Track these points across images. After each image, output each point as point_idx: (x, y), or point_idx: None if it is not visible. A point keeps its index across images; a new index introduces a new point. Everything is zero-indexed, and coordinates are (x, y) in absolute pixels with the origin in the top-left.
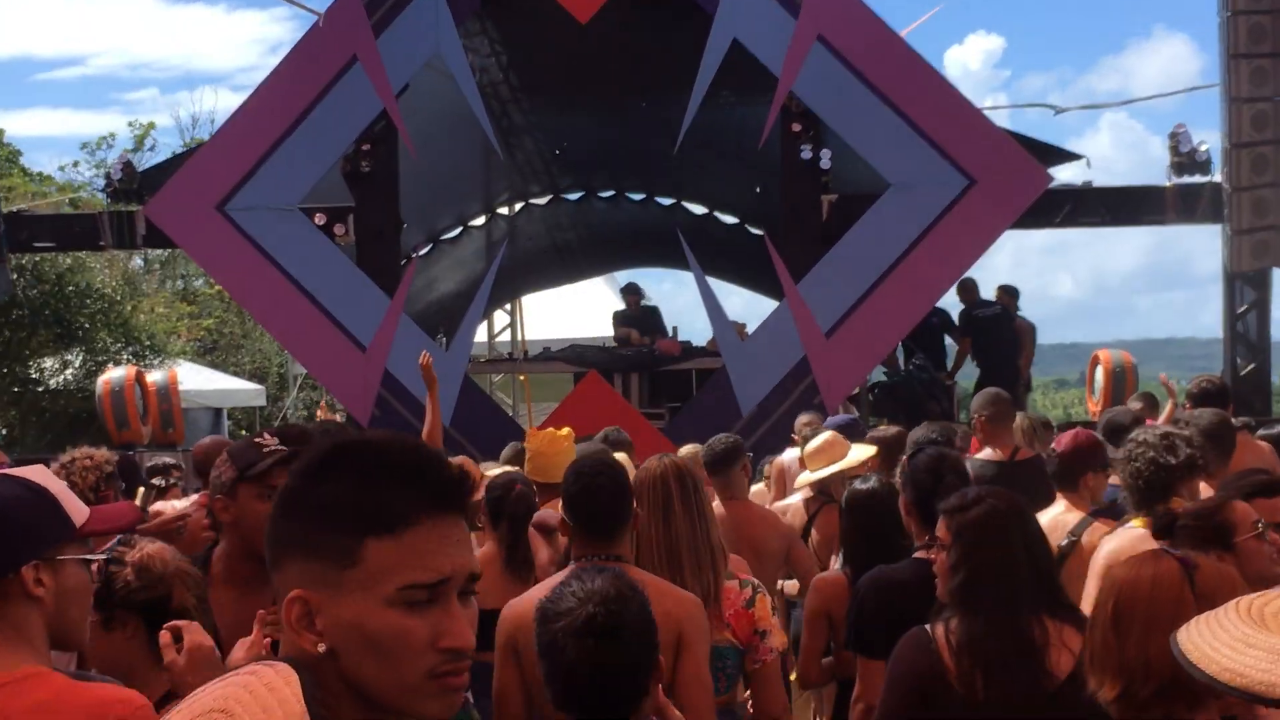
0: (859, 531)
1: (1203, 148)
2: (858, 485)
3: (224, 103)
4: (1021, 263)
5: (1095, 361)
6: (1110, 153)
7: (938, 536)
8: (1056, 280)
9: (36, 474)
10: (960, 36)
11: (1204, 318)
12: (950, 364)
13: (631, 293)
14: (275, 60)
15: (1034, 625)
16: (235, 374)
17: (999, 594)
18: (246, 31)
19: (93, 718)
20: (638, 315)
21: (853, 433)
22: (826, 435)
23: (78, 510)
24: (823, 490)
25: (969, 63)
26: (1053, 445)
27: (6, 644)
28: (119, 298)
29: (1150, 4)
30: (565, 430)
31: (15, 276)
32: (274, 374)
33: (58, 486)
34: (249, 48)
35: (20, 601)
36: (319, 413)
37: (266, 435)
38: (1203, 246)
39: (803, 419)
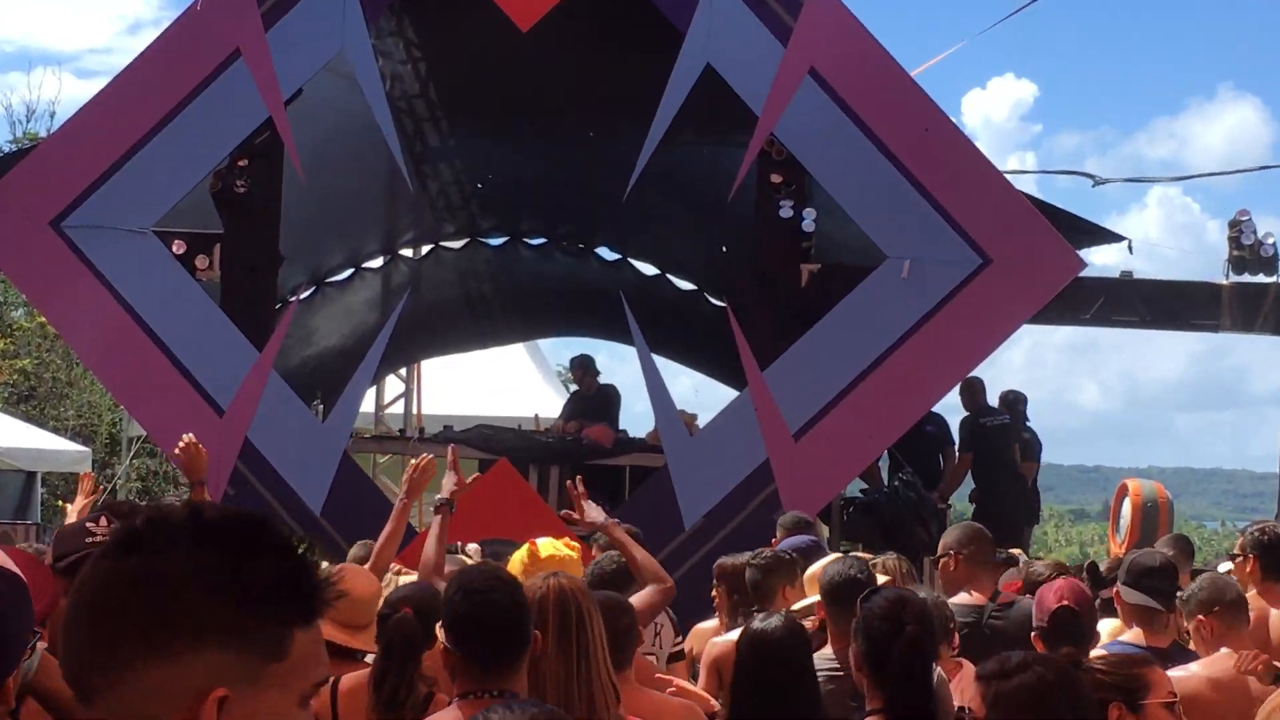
0: (752, 684)
1: (1269, 241)
2: (756, 623)
3: (68, 91)
4: (1037, 361)
5: (1123, 492)
6: (1157, 235)
7: (969, 708)
8: (1079, 386)
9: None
10: (982, 79)
11: (1257, 447)
12: (944, 482)
13: (582, 368)
14: (136, 42)
15: None
16: (56, 430)
17: None
18: (100, 5)
19: None
20: (593, 394)
21: (811, 559)
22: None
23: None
24: None
25: (991, 112)
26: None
27: None
28: None
29: (1217, 59)
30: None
31: None
32: (104, 433)
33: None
34: (102, 25)
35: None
36: (82, 484)
37: (102, 519)
38: (1262, 359)
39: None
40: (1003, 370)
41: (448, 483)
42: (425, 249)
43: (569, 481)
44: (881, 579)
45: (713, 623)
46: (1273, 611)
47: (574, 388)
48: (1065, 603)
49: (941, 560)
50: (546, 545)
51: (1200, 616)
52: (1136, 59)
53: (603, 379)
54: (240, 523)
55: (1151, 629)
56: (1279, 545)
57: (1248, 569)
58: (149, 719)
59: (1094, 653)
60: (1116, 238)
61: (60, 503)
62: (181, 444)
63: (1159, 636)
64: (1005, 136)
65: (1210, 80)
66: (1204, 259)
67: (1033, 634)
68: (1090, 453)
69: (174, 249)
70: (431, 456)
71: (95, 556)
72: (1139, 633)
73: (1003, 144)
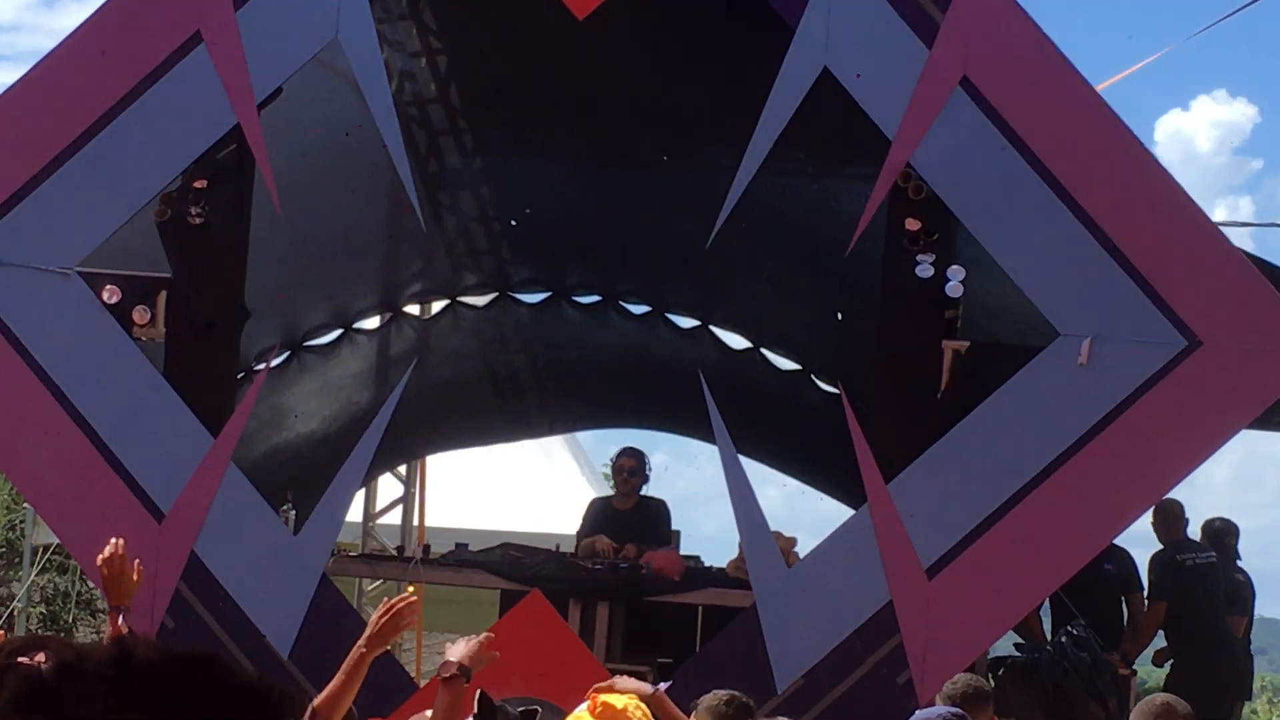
0: None
1: None
2: None
3: None
4: (1251, 480)
5: None
6: None
7: None
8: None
9: None
10: (1185, 98)
11: None
12: (1128, 639)
13: (630, 458)
14: (55, 20)
15: None
16: None
17: None
18: None
19: None
20: (630, 508)
21: None
22: None
23: None
24: None
25: (1196, 139)
26: None
27: None
28: None
29: None
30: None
31: None
32: (0, 540)
33: None
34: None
35: None
36: None
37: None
38: None
39: None
40: (1202, 491)
41: (460, 649)
42: (438, 306)
43: None
44: None
45: None
46: None
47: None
48: None
49: None
50: (615, 699)
51: None
52: None
53: (665, 485)
54: (179, 670)
55: None
56: None
57: None
58: None
59: None
60: None
61: None
62: (105, 554)
63: None
64: (1213, 174)
65: None
66: None
67: None
68: None
69: (105, 296)
70: (413, 597)
71: None
72: None
73: (1210, 184)
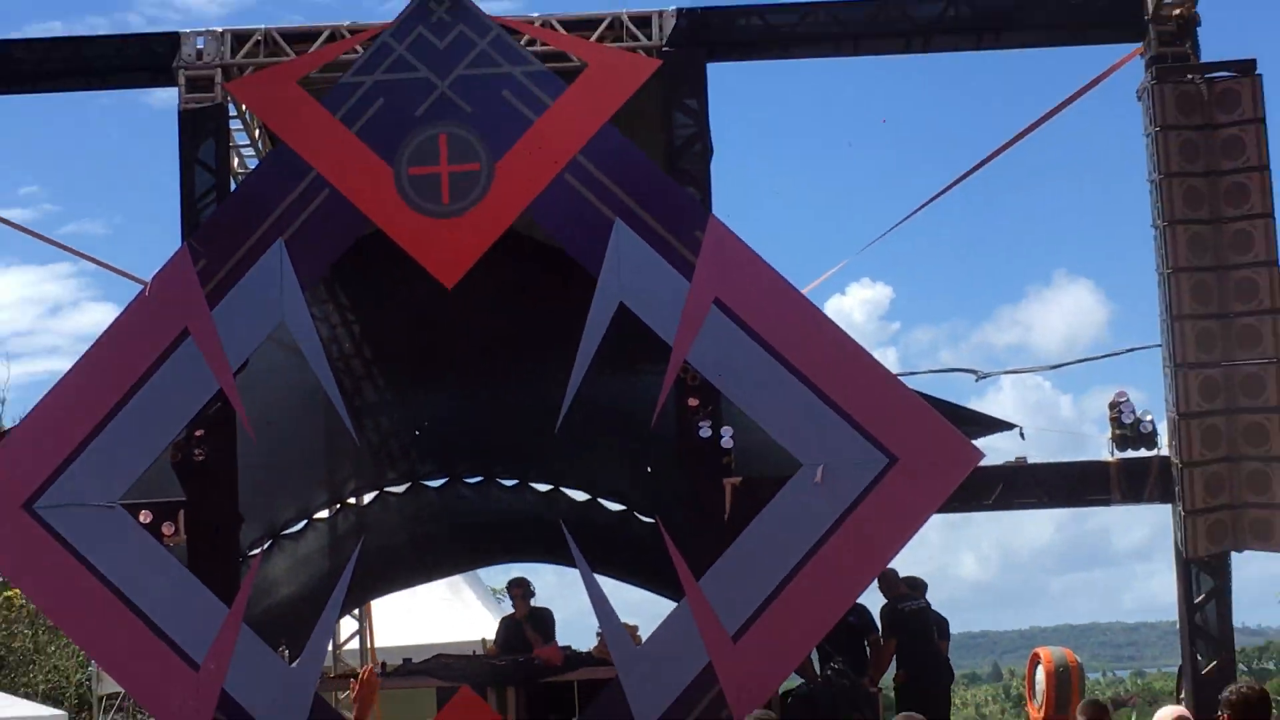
0: None
1: (1147, 419)
2: None
3: (1, 373)
4: (919, 540)
5: (1035, 660)
6: (1014, 415)
7: None
8: (958, 561)
9: None
10: (842, 286)
11: (1126, 601)
12: (872, 668)
13: (518, 586)
14: (58, 324)
15: None
16: (27, 695)
17: None
18: (19, 291)
19: None
20: (525, 616)
21: None
22: None
23: None
24: None
25: (853, 314)
26: None
27: None
28: None
29: (1051, 250)
30: None
31: None
32: (73, 694)
33: None
34: (24, 309)
35: None
36: None
37: None
38: (1120, 521)
39: None
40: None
41: None
42: (369, 496)
43: None
44: None
45: None
46: None
47: (509, 608)
48: None
49: None
50: None
51: None
52: (980, 253)
53: (542, 600)
54: None
55: None
56: (1249, 702)
57: None
58: None
59: None
60: (1007, 425)
61: None
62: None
63: None
64: (867, 336)
65: (1046, 268)
66: (1064, 435)
67: None
68: (975, 619)
69: (141, 519)
70: (370, 666)
71: None
72: None
73: (866, 342)
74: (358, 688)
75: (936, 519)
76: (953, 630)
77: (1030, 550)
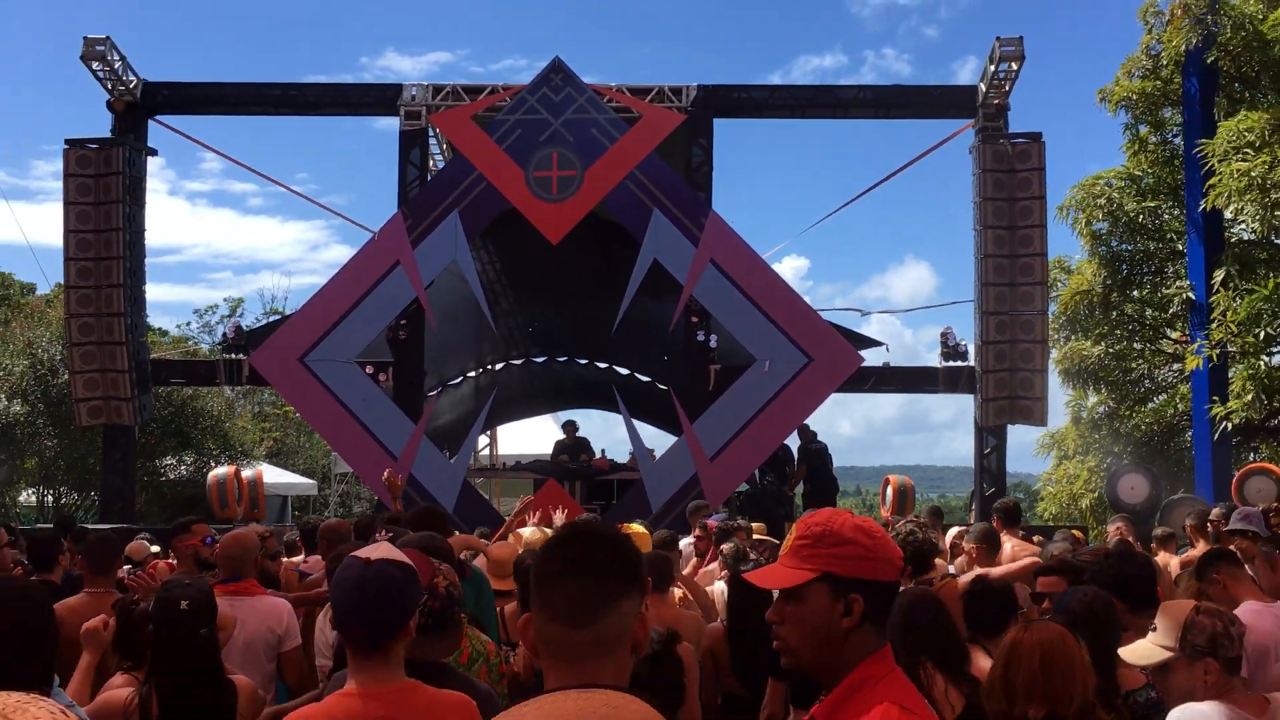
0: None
1: (963, 343)
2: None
3: (280, 284)
4: (819, 410)
5: (887, 482)
6: (880, 338)
7: None
8: (839, 422)
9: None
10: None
11: (938, 452)
12: (790, 482)
13: (568, 426)
14: (314, 255)
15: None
16: (294, 471)
17: None
18: (292, 234)
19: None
20: (571, 444)
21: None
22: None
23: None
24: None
25: (785, 274)
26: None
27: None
28: (221, 417)
29: (903, 239)
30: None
31: (154, 402)
32: (318, 473)
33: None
34: (294, 246)
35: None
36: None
37: (381, 530)
38: (938, 404)
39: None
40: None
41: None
42: (500, 365)
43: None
44: (756, 535)
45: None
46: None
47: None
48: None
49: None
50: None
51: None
52: (860, 240)
53: (599, 434)
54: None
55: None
56: (1006, 509)
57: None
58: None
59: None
60: (877, 343)
61: (296, 513)
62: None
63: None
64: (794, 287)
65: (900, 252)
66: (906, 351)
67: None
68: (847, 459)
69: (367, 370)
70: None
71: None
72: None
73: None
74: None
75: (831, 397)
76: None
77: (882, 419)
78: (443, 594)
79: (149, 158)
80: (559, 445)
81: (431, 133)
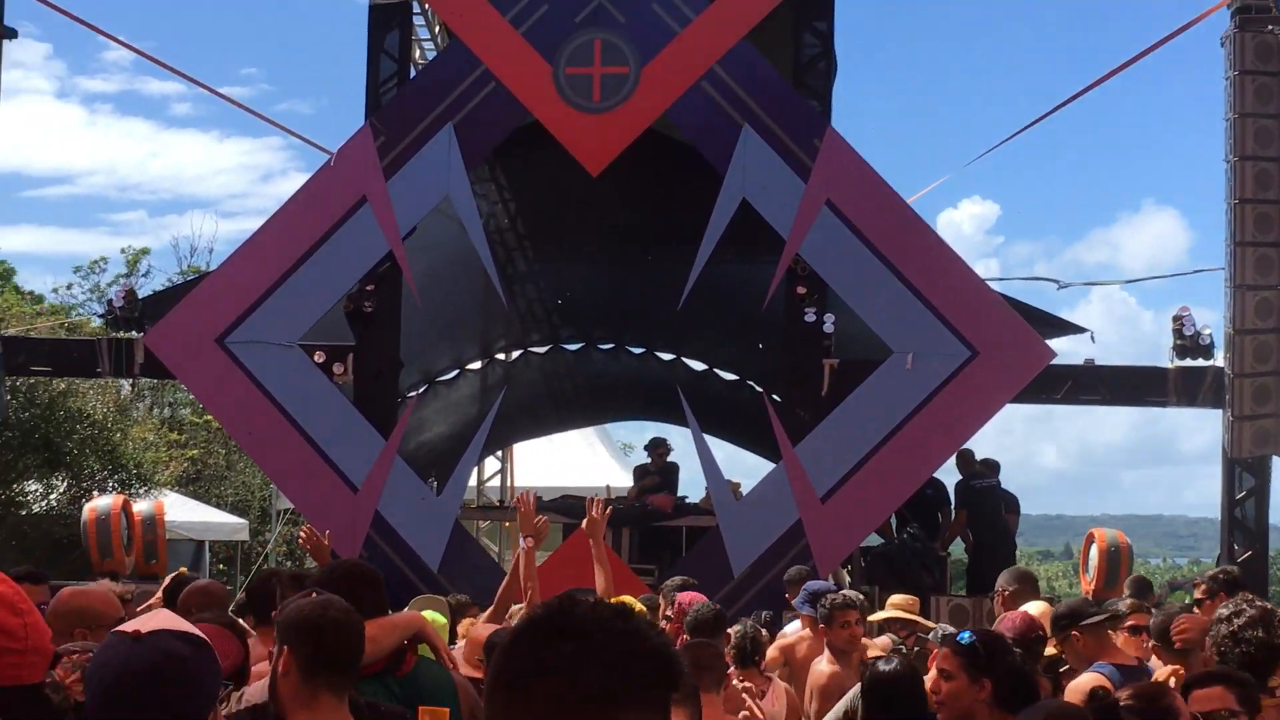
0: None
1: (1206, 332)
2: (880, 665)
3: (217, 229)
4: (1006, 430)
5: (1090, 540)
6: (1101, 325)
7: None
8: (1041, 451)
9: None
10: (955, 201)
11: (1189, 496)
12: (943, 535)
13: (658, 445)
14: (266, 188)
15: None
16: (218, 505)
17: None
18: (237, 159)
19: None
20: (659, 469)
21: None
22: None
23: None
24: None
25: (962, 226)
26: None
27: None
28: (108, 424)
29: (1141, 180)
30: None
31: (8, 398)
32: (256, 508)
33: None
34: (238, 174)
35: None
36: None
37: (311, 593)
38: (1188, 425)
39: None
40: (977, 439)
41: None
42: (515, 353)
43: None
44: (890, 612)
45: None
46: None
47: (634, 460)
48: (1038, 631)
49: (994, 596)
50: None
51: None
52: (1078, 180)
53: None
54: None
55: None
56: (1235, 583)
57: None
58: None
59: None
60: (1079, 329)
61: (221, 566)
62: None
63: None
64: (974, 247)
65: (1136, 196)
66: (1142, 343)
67: None
68: (1052, 503)
69: (315, 358)
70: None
71: None
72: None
73: (972, 253)
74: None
75: (1021, 411)
76: (1031, 512)
77: (1105, 446)
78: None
79: (5, 40)
80: (640, 471)
81: (417, 8)
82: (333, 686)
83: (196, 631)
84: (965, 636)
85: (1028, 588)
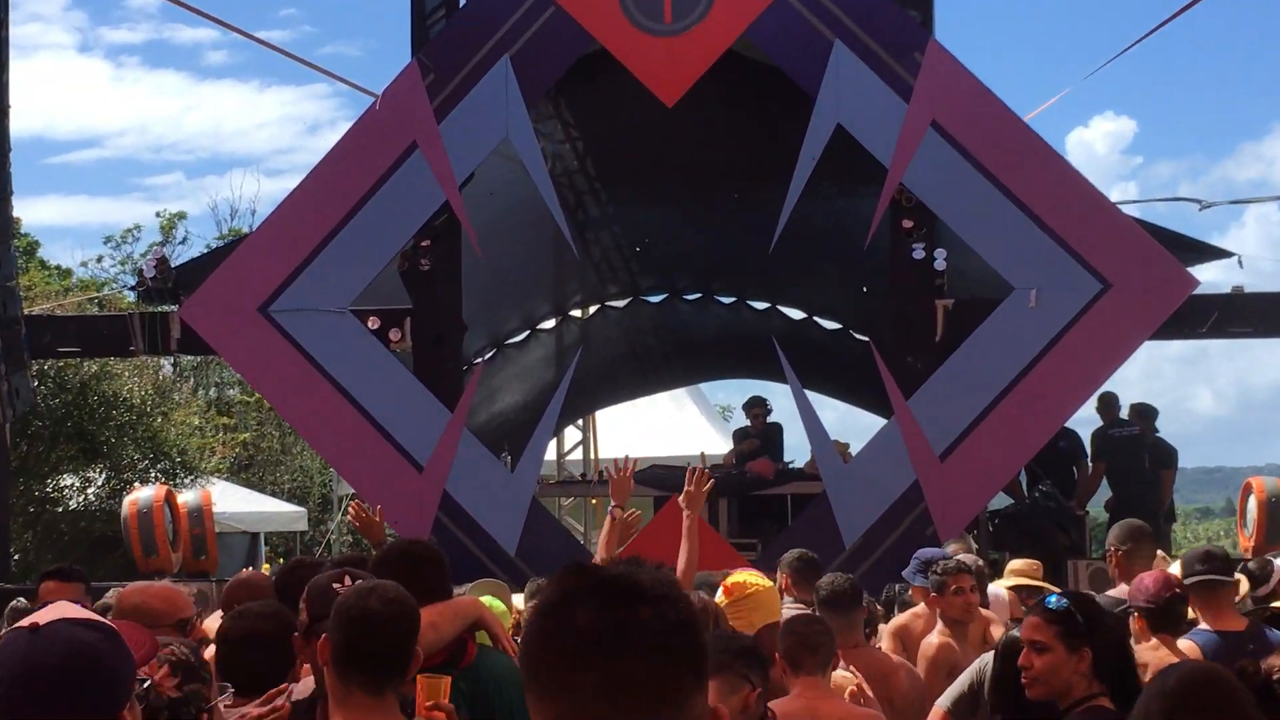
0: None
1: None
2: (1014, 633)
3: (264, 189)
4: (1154, 374)
5: (1248, 490)
6: (1257, 250)
7: None
8: (1195, 395)
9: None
10: (1085, 119)
11: None
12: (1079, 491)
13: (756, 406)
14: (313, 141)
15: None
16: (273, 494)
17: None
18: (280, 110)
19: None
20: (759, 432)
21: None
22: None
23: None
24: None
25: (1095, 146)
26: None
27: None
28: (148, 408)
29: None
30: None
31: (36, 384)
32: (316, 494)
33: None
34: (283, 127)
35: None
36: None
37: (345, 578)
38: None
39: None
40: (1120, 385)
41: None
42: (592, 309)
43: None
44: (1012, 580)
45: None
46: None
47: (733, 424)
48: (1177, 590)
49: (1105, 555)
50: (739, 576)
51: None
52: (1225, 90)
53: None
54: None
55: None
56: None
57: None
58: None
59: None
60: (1224, 254)
61: (280, 559)
62: (351, 514)
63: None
64: (1109, 169)
65: None
66: None
67: (1134, 614)
68: (1210, 454)
69: (369, 324)
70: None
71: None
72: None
73: (1107, 176)
74: (699, 480)
75: (1168, 350)
76: (1186, 465)
77: (1270, 386)
78: (164, 694)
79: None
80: (738, 435)
81: None
82: (367, 685)
83: (101, 619)
84: (1055, 600)
85: (1145, 544)
